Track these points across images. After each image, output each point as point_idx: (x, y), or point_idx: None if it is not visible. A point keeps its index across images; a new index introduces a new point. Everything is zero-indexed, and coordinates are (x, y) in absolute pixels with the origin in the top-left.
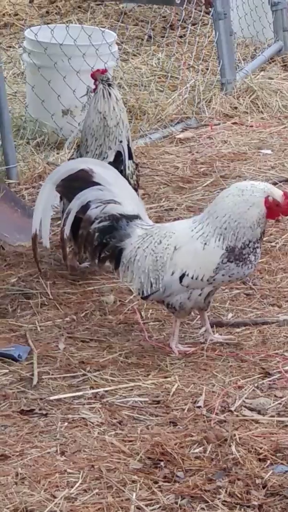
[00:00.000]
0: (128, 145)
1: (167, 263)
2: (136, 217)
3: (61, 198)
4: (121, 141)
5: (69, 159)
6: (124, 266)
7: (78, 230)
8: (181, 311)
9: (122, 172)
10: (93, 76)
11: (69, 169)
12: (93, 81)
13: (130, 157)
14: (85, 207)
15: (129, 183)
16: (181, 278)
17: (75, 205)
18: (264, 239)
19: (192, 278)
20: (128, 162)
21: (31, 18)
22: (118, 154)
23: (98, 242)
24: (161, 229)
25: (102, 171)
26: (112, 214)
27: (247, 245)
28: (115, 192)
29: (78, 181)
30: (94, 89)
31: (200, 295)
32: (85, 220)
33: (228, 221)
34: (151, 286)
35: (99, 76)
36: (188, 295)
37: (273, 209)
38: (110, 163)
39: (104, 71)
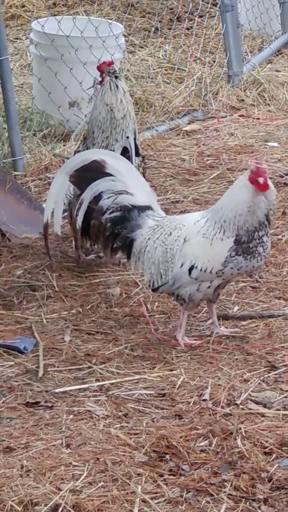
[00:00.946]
0: (134, 140)
1: (177, 254)
2: (148, 208)
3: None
4: (127, 137)
5: (75, 152)
6: (135, 257)
7: (89, 220)
8: (190, 303)
9: None
10: (99, 68)
11: (82, 160)
12: (99, 73)
13: (137, 154)
14: (97, 198)
15: None
16: (190, 270)
17: (87, 196)
18: (270, 232)
19: (201, 270)
20: (134, 159)
21: (38, 9)
22: (125, 150)
23: (109, 232)
24: (172, 221)
25: (115, 162)
26: (124, 204)
27: (253, 237)
28: (127, 183)
29: (91, 172)
30: (101, 82)
31: (209, 287)
32: (97, 211)
33: (226, 213)
34: (161, 277)
35: (105, 68)
36: (197, 287)
37: (255, 182)
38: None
39: (111, 63)
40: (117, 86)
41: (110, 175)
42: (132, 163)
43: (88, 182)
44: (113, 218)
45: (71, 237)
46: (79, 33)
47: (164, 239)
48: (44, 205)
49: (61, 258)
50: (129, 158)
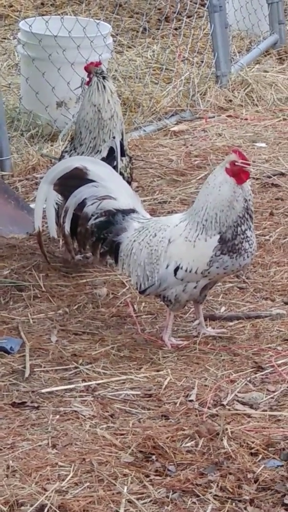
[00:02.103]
0: (121, 141)
1: (162, 256)
2: (132, 211)
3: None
4: (114, 137)
5: (62, 152)
6: (123, 260)
7: (76, 223)
8: (176, 303)
9: (115, 168)
10: (86, 69)
11: (63, 168)
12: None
13: (123, 154)
14: (82, 204)
15: (123, 176)
16: (176, 271)
17: (71, 203)
18: (258, 233)
19: (186, 271)
20: (120, 159)
21: (26, 9)
22: (111, 150)
23: (96, 238)
24: (157, 222)
25: (96, 168)
26: (108, 209)
27: (237, 233)
28: (109, 188)
29: (73, 179)
30: (88, 82)
31: (195, 288)
32: (82, 217)
33: (208, 212)
34: (148, 279)
35: (93, 69)
36: (183, 287)
37: (237, 171)
38: (103, 158)
39: (98, 63)
40: (104, 87)
41: (93, 181)
42: (117, 163)
43: (71, 190)
44: (98, 224)
45: (59, 238)
46: (67, 33)
47: (149, 241)
48: (32, 205)
49: (48, 258)
50: (115, 158)
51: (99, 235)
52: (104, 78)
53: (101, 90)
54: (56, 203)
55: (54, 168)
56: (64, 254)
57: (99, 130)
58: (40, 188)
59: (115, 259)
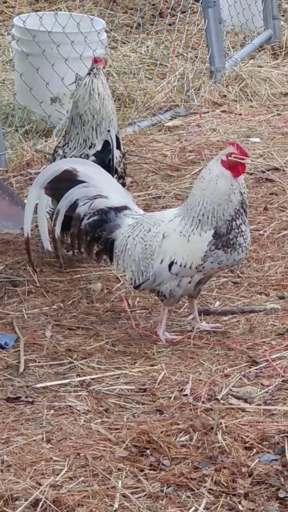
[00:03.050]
0: (116, 134)
1: (156, 251)
2: (125, 207)
3: (52, 201)
4: (109, 130)
5: (56, 147)
6: (117, 257)
7: (70, 219)
8: (170, 298)
9: (110, 161)
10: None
11: (53, 171)
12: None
13: (118, 147)
14: (73, 206)
15: (116, 171)
16: (170, 266)
17: (63, 205)
18: (252, 227)
19: (180, 266)
20: (116, 152)
21: (20, 5)
22: (106, 143)
23: (90, 237)
24: (151, 218)
25: (85, 168)
26: (100, 208)
27: (232, 227)
28: (100, 187)
29: (64, 182)
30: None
31: (190, 282)
32: (75, 218)
33: (205, 207)
34: (142, 274)
35: (92, 64)
36: (177, 282)
37: (233, 164)
38: (97, 152)
39: (97, 60)
40: (88, 84)
41: (83, 182)
42: (113, 156)
43: (62, 192)
44: (91, 223)
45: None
46: (61, 28)
47: (143, 236)
48: (25, 201)
49: (42, 254)
50: (110, 152)
51: (93, 235)
52: (93, 75)
53: (86, 87)
54: (48, 212)
55: (43, 173)
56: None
57: (92, 126)
58: (30, 193)
59: (110, 257)
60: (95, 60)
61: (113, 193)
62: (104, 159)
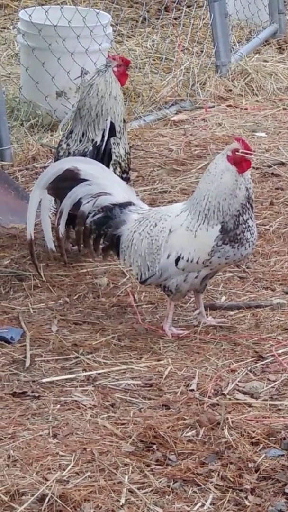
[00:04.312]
0: (112, 122)
1: (163, 246)
2: (129, 203)
3: (55, 201)
4: (106, 119)
5: (60, 141)
6: (123, 252)
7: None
8: (177, 293)
9: (105, 151)
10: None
11: (54, 171)
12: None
13: (113, 134)
14: (77, 204)
15: (120, 166)
16: (177, 261)
17: (66, 204)
18: (258, 222)
19: (187, 261)
20: (111, 139)
21: None
22: (104, 132)
23: (96, 235)
24: (157, 213)
25: (87, 166)
26: (104, 205)
27: (239, 222)
28: (103, 185)
29: (66, 181)
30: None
31: (196, 277)
32: (79, 217)
33: (210, 201)
34: (148, 269)
35: (105, 60)
36: (184, 277)
37: (238, 160)
38: (95, 142)
39: (109, 57)
40: (96, 83)
41: (85, 180)
42: (106, 142)
43: (65, 192)
44: (96, 220)
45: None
46: (66, 22)
47: (149, 231)
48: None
49: (48, 248)
50: (108, 140)
51: (99, 232)
52: (100, 72)
53: (91, 83)
54: (51, 211)
55: (45, 173)
56: (65, 245)
57: (86, 120)
58: (32, 194)
59: (117, 253)
60: (109, 57)
61: (116, 189)
62: (100, 148)
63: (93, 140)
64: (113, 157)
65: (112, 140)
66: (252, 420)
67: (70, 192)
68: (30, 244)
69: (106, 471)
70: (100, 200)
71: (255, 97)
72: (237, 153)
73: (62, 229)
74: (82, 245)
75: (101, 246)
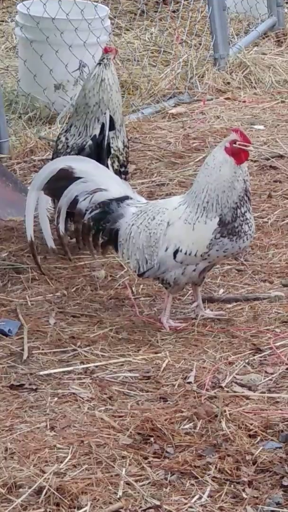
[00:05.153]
0: (111, 116)
1: (161, 239)
2: (126, 197)
3: (53, 200)
4: (104, 113)
5: (59, 134)
6: (122, 246)
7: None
8: (175, 286)
9: (102, 141)
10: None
11: (49, 171)
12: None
13: (112, 128)
14: (74, 202)
15: (118, 160)
16: (175, 254)
17: (63, 203)
18: (256, 215)
19: (185, 254)
20: (110, 133)
21: None
22: (103, 126)
23: (95, 230)
24: (155, 206)
25: (81, 164)
26: (101, 201)
27: (237, 215)
28: (98, 181)
29: (61, 181)
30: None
31: (194, 270)
32: (77, 214)
33: (209, 194)
34: (146, 262)
35: (102, 55)
36: (182, 270)
37: (237, 151)
38: (95, 136)
39: (107, 50)
40: (99, 74)
41: (80, 178)
42: (105, 135)
43: (62, 191)
44: (94, 216)
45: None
46: (64, 15)
47: (147, 224)
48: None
49: (42, 269)
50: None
51: (97, 227)
52: (104, 65)
53: (95, 76)
54: (48, 210)
55: (39, 174)
56: (64, 238)
57: (95, 114)
58: (28, 196)
59: (115, 247)
60: (106, 50)
61: (112, 185)
62: (98, 141)
63: (91, 134)
64: (112, 151)
65: (111, 134)
66: (249, 412)
67: (65, 190)
68: (31, 246)
69: (104, 463)
70: (96, 196)
71: (253, 90)
72: (234, 145)
73: (62, 227)
74: (81, 243)
75: (99, 242)
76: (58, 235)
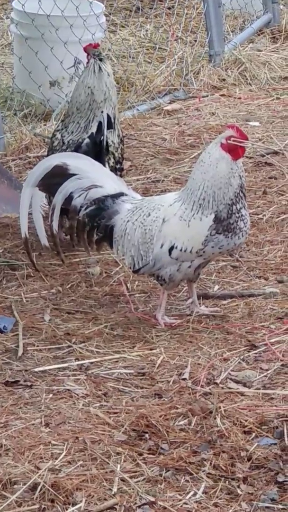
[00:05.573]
0: (108, 114)
1: (156, 235)
2: (121, 194)
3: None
4: (102, 111)
5: (54, 131)
6: (117, 242)
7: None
8: (170, 283)
9: (102, 141)
10: (85, 50)
11: (43, 168)
12: (82, 52)
13: (110, 127)
14: (69, 199)
15: (114, 156)
16: (170, 250)
17: (58, 199)
18: (251, 211)
19: (181, 250)
20: (108, 132)
21: None
22: (100, 125)
23: (90, 227)
24: (150, 202)
25: (76, 161)
26: (96, 197)
27: (232, 212)
28: (93, 178)
29: (56, 177)
30: (87, 63)
31: (189, 267)
32: (72, 211)
33: (205, 191)
34: (142, 259)
35: (91, 51)
36: (177, 267)
37: (232, 147)
38: (92, 134)
39: (96, 45)
40: (100, 69)
41: (75, 174)
42: (104, 135)
43: (56, 187)
44: (89, 213)
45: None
46: (59, 12)
47: (142, 220)
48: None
49: (36, 266)
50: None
51: (92, 224)
52: (101, 60)
53: (96, 72)
54: (42, 207)
55: (34, 171)
56: (58, 235)
57: (91, 111)
58: (23, 193)
59: (110, 244)
60: (95, 46)
61: (107, 182)
62: (97, 139)
63: (87, 131)
64: (109, 149)
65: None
66: (244, 409)
67: (60, 187)
68: (25, 243)
69: (98, 460)
70: (91, 193)
71: (249, 87)
72: (229, 141)
73: (55, 225)
74: (76, 239)
75: (94, 238)
76: (52, 233)
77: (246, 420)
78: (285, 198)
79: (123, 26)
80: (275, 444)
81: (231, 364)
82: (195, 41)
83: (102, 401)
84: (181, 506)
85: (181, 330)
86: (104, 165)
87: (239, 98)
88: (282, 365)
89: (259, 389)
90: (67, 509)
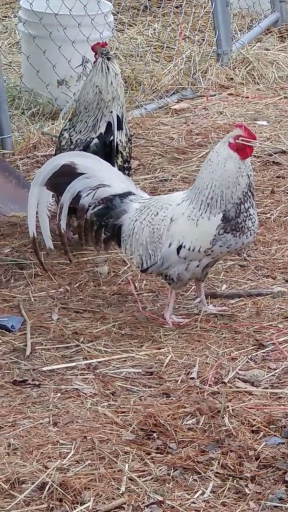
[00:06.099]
0: (118, 115)
1: (164, 234)
2: (129, 193)
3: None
4: (111, 112)
5: (62, 130)
6: (125, 242)
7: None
8: (178, 282)
9: (112, 142)
10: (93, 49)
11: (51, 167)
12: (89, 51)
13: (120, 128)
14: (77, 198)
15: (121, 154)
16: (178, 249)
17: (66, 199)
18: (259, 210)
19: (189, 249)
20: (117, 133)
21: None
22: (109, 125)
23: (97, 226)
24: (158, 201)
25: (84, 160)
26: (104, 197)
27: (240, 211)
28: (101, 177)
29: (64, 177)
30: (94, 62)
31: (198, 266)
32: (79, 210)
33: (213, 190)
34: (150, 258)
35: (99, 50)
36: (185, 266)
37: (241, 146)
38: (101, 134)
39: (104, 44)
40: (108, 68)
41: (83, 174)
42: (114, 136)
43: (64, 187)
44: (97, 212)
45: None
46: (67, 11)
47: (151, 220)
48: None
49: (44, 266)
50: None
51: (100, 223)
52: (109, 59)
53: (104, 71)
54: (50, 211)
55: (42, 170)
56: (66, 233)
57: (99, 110)
58: (31, 192)
59: (118, 243)
60: (103, 45)
61: (115, 181)
62: (106, 140)
63: (95, 130)
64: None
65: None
66: (252, 408)
67: (68, 186)
68: (33, 242)
69: (106, 459)
70: (99, 192)
71: (257, 86)
72: (237, 140)
73: (63, 224)
74: (84, 238)
75: (102, 238)
76: (59, 232)
77: (254, 419)
78: None
79: (131, 25)
80: (283, 443)
81: (239, 363)
82: (203, 40)
83: (110, 401)
84: (189, 505)
85: (189, 329)
86: (114, 166)
87: (247, 97)
88: None
89: (267, 388)
90: (75, 509)
